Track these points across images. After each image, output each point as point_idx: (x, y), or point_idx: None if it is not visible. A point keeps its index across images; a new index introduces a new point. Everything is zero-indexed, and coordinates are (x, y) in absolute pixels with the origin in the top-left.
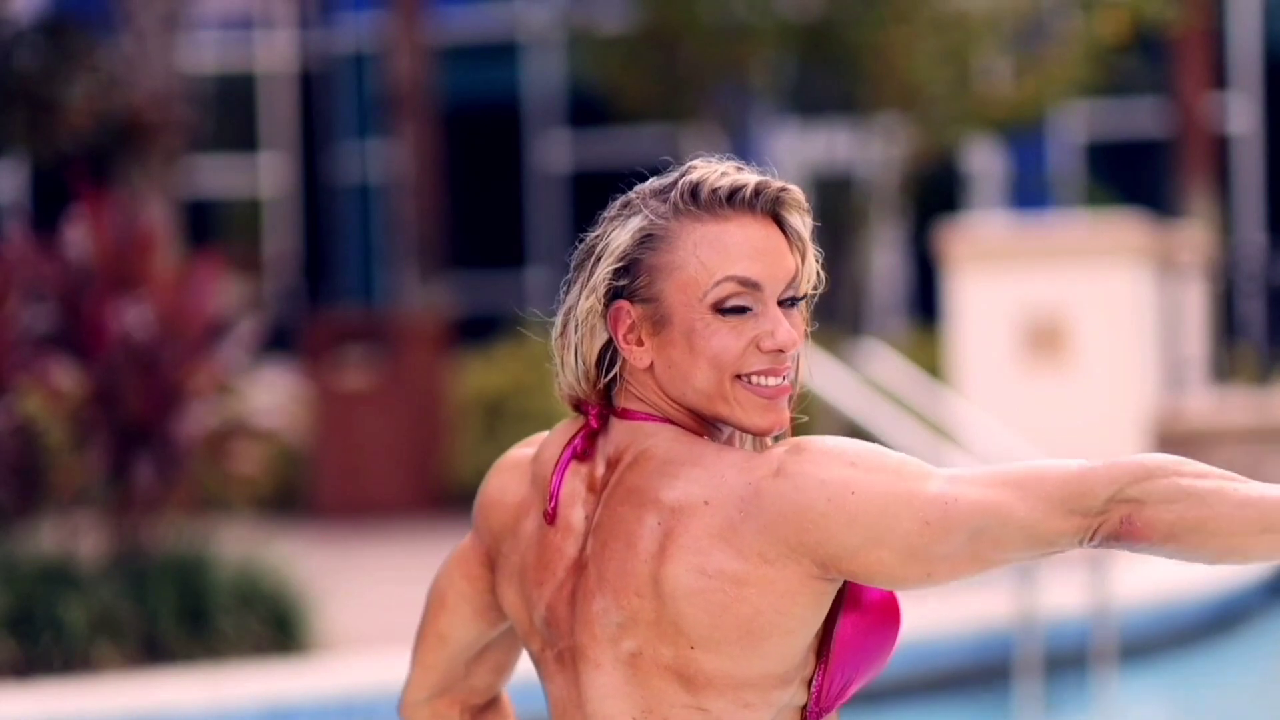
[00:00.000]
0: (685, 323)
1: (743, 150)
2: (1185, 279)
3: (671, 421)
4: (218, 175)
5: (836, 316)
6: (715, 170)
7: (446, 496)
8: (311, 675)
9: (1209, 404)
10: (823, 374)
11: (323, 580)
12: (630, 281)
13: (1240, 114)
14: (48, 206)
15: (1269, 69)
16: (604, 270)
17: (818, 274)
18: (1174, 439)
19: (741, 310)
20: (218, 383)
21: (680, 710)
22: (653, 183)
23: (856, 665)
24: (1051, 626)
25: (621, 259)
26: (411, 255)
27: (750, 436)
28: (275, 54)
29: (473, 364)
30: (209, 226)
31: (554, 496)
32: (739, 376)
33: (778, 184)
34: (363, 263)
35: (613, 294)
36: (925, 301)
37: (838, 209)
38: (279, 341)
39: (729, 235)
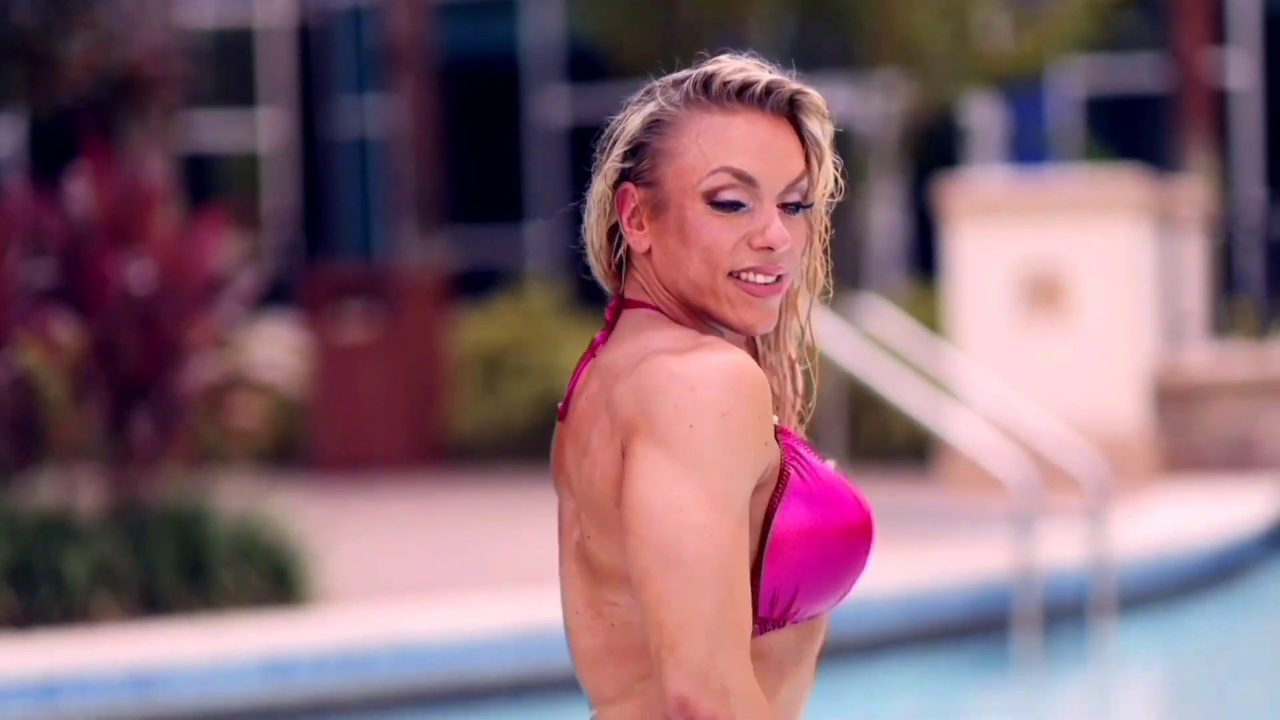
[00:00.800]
0: (680, 210)
1: None
2: (1184, 234)
3: (660, 309)
4: (216, 130)
5: (836, 272)
6: (733, 65)
7: (445, 450)
8: (310, 628)
9: (1208, 358)
10: (822, 329)
11: (321, 533)
12: (636, 164)
13: (1239, 69)
14: (46, 161)
15: (1268, 24)
16: (615, 154)
17: (836, 182)
18: (1172, 393)
19: (735, 205)
20: (217, 337)
21: (601, 604)
22: (676, 74)
23: (806, 569)
24: (1050, 578)
25: (630, 142)
26: (410, 210)
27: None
28: (273, 9)
29: (471, 318)
30: (207, 181)
31: (569, 393)
32: (731, 273)
33: (794, 85)
34: (361, 217)
35: (621, 177)
36: (924, 257)
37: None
38: (278, 296)
39: (733, 129)
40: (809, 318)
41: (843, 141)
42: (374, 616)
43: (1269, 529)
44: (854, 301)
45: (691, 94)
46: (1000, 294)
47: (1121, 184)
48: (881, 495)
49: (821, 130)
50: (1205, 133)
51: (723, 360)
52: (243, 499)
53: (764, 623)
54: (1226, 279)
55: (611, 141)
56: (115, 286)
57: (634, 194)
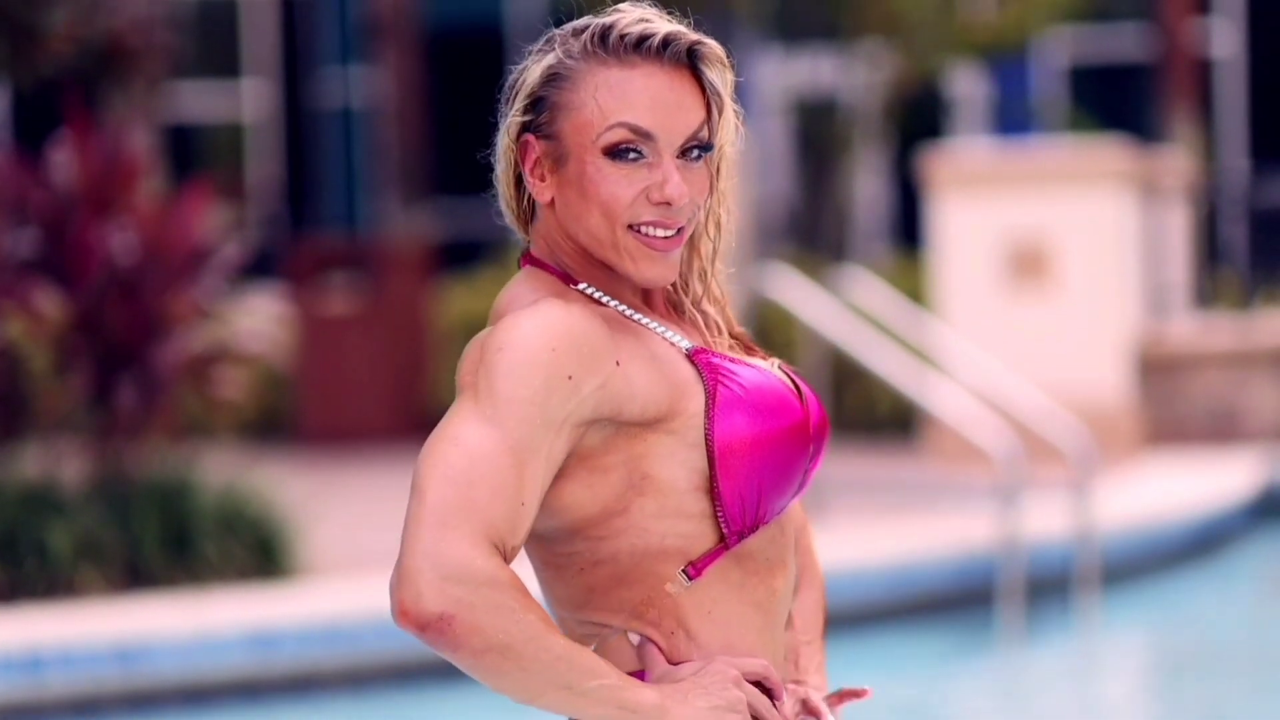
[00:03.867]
0: (579, 164)
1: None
2: (1168, 204)
3: (547, 266)
4: (200, 101)
5: (820, 242)
6: (630, 17)
7: (429, 421)
8: (295, 600)
9: (1191, 329)
10: (805, 300)
11: (306, 505)
12: (536, 117)
13: (1223, 38)
14: (29, 132)
15: None
16: (516, 106)
17: (737, 129)
18: (1156, 364)
19: (633, 158)
20: (201, 308)
21: (559, 558)
22: (577, 22)
23: (760, 473)
24: (1034, 550)
25: (530, 95)
26: (394, 181)
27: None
28: None
29: (456, 289)
30: (191, 152)
31: None
32: (630, 226)
33: (692, 36)
34: (345, 188)
35: (523, 129)
36: (908, 227)
37: (821, 135)
38: (262, 267)
39: (630, 83)
40: (713, 262)
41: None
42: (359, 589)
43: (1253, 500)
44: (838, 272)
45: (589, 46)
46: (984, 265)
47: (1105, 154)
48: (865, 467)
49: (722, 79)
50: (1189, 102)
51: (540, 318)
52: (227, 471)
53: (739, 533)
54: (1211, 249)
55: (513, 92)
56: (99, 258)
57: (535, 146)
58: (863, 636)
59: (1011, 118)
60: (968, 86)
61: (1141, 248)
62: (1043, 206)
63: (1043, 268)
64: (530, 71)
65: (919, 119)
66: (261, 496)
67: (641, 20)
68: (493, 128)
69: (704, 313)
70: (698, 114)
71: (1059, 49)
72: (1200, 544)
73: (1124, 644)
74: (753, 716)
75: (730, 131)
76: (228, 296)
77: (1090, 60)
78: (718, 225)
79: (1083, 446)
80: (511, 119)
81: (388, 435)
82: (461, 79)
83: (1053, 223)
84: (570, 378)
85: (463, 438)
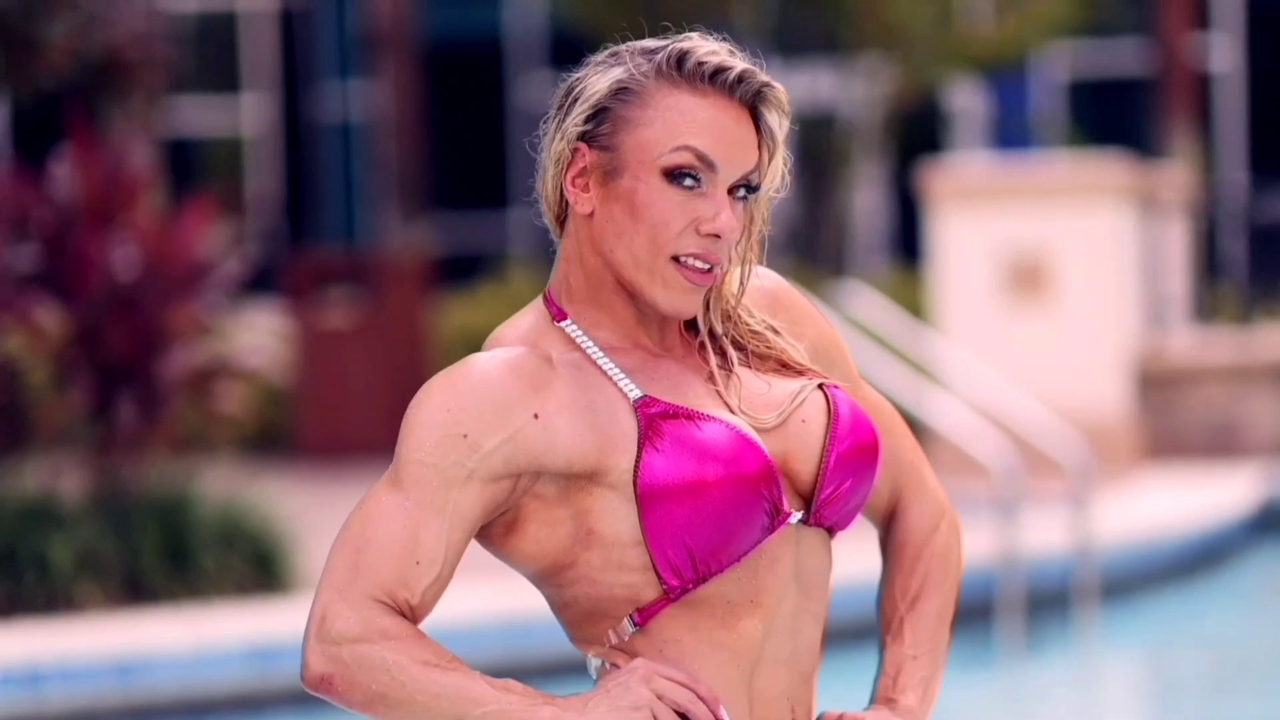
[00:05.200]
0: (634, 180)
1: None
2: (1167, 218)
3: (550, 300)
4: (199, 115)
5: (819, 256)
6: (706, 46)
7: None
8: (295, 614)
9: (1190, 343)
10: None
11: (305, 519)
12: (595, 127)
13: (1222, 53)
14: (29, 146)
15: (1251, 7)
16: (577, 114)
17: (783, 178)
18: (1156, 378)
19: (689, 182)
20: (201, 323)
21: (549, 598)
22: (645, 41)
23: (686, 528)
24: (1033, 564)
25: (594, 105)
26: (393, 195)
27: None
28: None
29: (455, 303)
30: (190, 166)
31: None
32: (674, 257)
33: (763, 78)
34: (345, 202)
35: (579, 137)
36: (907, 241)
37: (820, 149)
38: (261, 281)
39: (701, 110)
40: (738, 301)
41: (826, 126)
42: None
43: (1252, 514)
44: (837, 286)
45: (664, 67)
46: (983, 278)
47: (1104, 168)
48: None
49: (779, 126)
50: (1188, 117)
51: (449, 378)
52: (227, 485)
53: (680, 587)
54: (1209, 263)
55: (570, 99)
56: (99, 272)
57: (586, 155)
58: (863, 650)
59: (1011, 132)
60: (967, 100)
61: (1140, 262)
62: (1042, 220)
63: (1042, 281)
64: (594, 82)
65: (918, 133)
66: (261, 511)
67: (715, 52)
68: (493, 142)
69: (737, 348)
70: (754, 154)
71: (1058, 63)
72: (1199, 558)
73: (1123, 658)
74: (680, 715)
75: (776, 178)
76: (227, 311)
77: (1089, 74)
78: (746, 266)
79: (1082, 460)
80: (569, 125)
81: (387, 449)
82: (460, 93)
83: (1052, 237)
84: (465, 435)
85: (367, 503)
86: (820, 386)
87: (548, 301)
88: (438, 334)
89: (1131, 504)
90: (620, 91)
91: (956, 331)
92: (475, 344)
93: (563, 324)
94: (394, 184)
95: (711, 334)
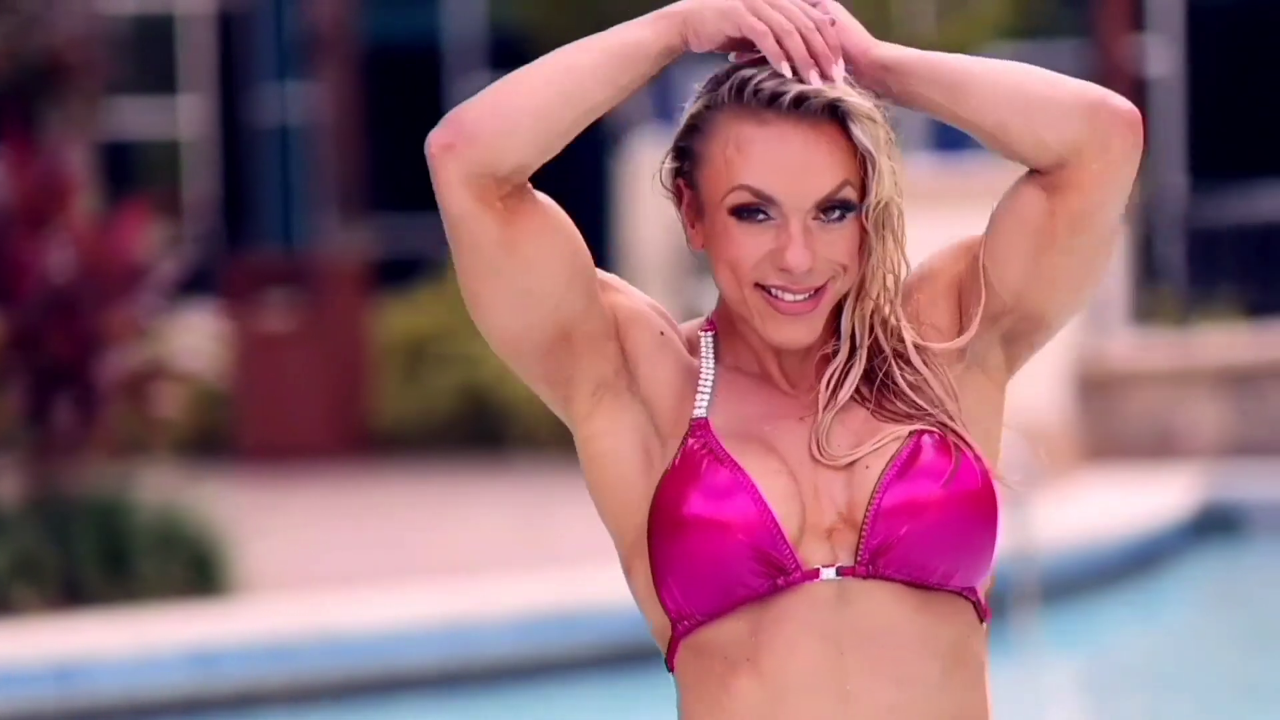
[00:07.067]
0: (711, 218)
1: (662, 94)
2: None
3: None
4: (136, 117)
5: None
6: (768, 70)
7: (368, 439)
8: (234, 618)
9: (1130, 346)
10: None
11: (244, 523)
12: (682, 164)
13: (1160, 57)
14: None
15: (1189, 11)
16: (666, 153)
17: (893, 182)
18: (1095, 381)
19: (760, 217)
20: (138, 326)
21: None
22: (735, 62)
23: (673, 560)
24: None
25: (675, 144)
26: (332, 198)
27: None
28: None
29: (394, 307)
30: (128, 169)
31: None
32: (758, 285)
33: (831, 94)
34: (283, 205)
35: (675, 174)
36: None
37: None
38: (199, 284)
39: (758, 142)
40: (888, 324)
41: None
42: (299, 607)
43: (1191, 518)
44: None
45: (727, 98)
46: None
47: None
48: None
49: (872, 135)
50: None
51: None
52: (164, 489)
53: (674, 616)
54: (1148, 267)
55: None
56: (35, 275)
57: (685, 192)
58: None
59: (950, 135)
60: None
61: None
62: (981, 223)
63: None
64: (686, 111)
65: None
66: (199, 514)
67: (775, 74)
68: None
69: (898, 358)
70: (834, 174)
71: None
72: (1138, 562)
73: (1062, 661)
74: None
75: (888, 187)
76: (165, 314)
77: None
78: (885, 283)
79: (1021, 463)
80: (664, 167)
81: (326, 452)
82: (399, 96)
83: None
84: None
85: None
86: (915, 432)
87: (711, 315)
88: (376, 337)
89: (1071, 507)
90: (692, 129)
91: None
92: (414, 347)
93: (704, 333)
94: (332, 187)
95: (854, 352)
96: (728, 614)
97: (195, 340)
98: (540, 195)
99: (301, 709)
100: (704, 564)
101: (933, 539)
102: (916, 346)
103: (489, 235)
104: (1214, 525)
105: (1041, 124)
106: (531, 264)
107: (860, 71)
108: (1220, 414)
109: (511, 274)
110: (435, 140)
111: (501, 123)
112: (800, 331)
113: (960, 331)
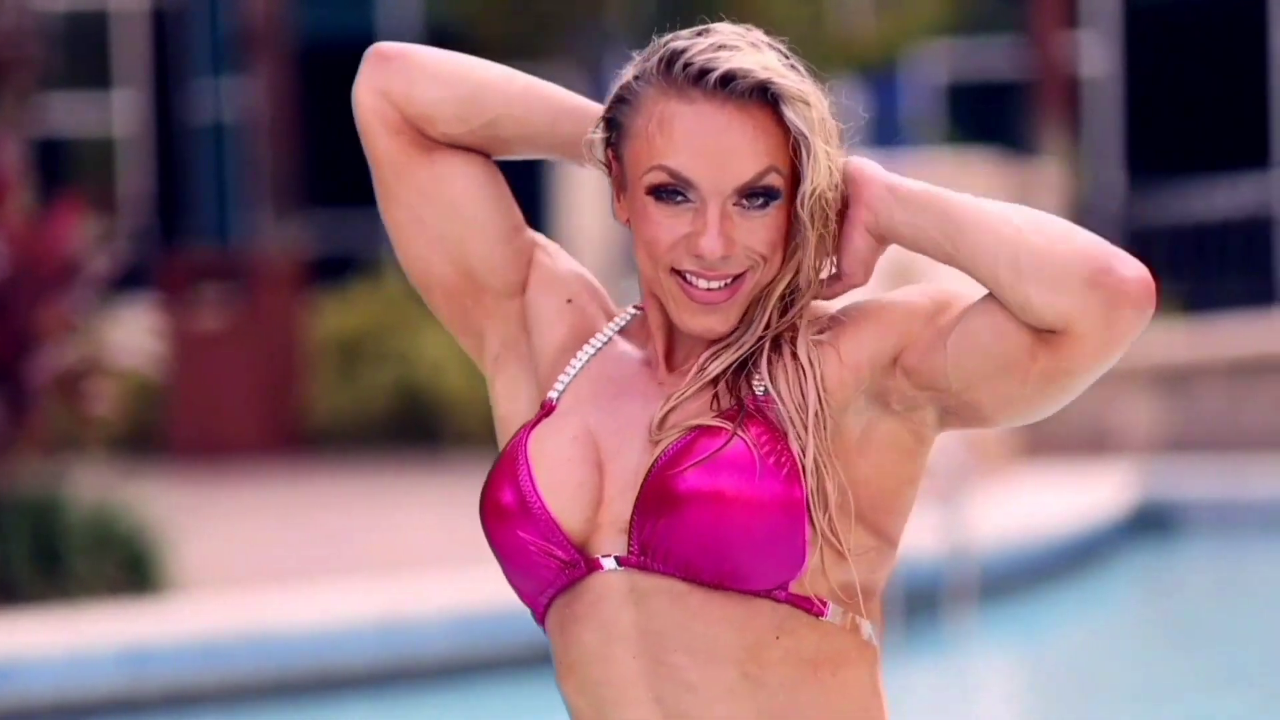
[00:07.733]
0: (632, 194)
1: (600, 90)
2: None
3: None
4: (70, 113)
5: None
6: (705, 43)
7: (302, 437)
8: (168, 617)
9: None
10: None
11: (178, 521)
12: (611, 135)
13: (1096, 54)
14: None
15: (1125, 8)
16: (599, 119)
17: (828, 169)
18: None
19: (678, 199)
20: (71, 322)
21: None
22: (671, 35)
23: (499, 559)
24: (906, 565)
25: (603, 115)
26: (266, 194)
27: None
28: None
29: (329, 304)
30: (61, 165)
31: None
32: (674, 270)
33: (760, 74)
34: (217, 202)
35: (604, 144)
36: None
37: None
38: (133, 280)
39: (682, 121)
40: (801, 316)
41: None
42: (232, 606)
43: (1126, 515)
44: None
45: (655, 71)
46: None
47: (976, 167)
48: None
49: (806, 118)
50: (1062, 117)
51: None
52: (98, 486)
53: (524, 593)
54: None
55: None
56: None
57: (613, 165)
58: None
59: (887, 132)
60: (843, 101)
61: None
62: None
63: (914, 280)
64: (615, 84)
65: None
66: (133, 512)
67: (714, 49)
68: (361, 152)
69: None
70: (758, 160)
71: (934, 64)
72: (1074, 559)
73: (997, 659)
74: None
75: (824, 174)
76: (98, 310)
77: (965, 76)
78: (805, 274)
79: (955, 461)
80: (594, 135)
81: (259, 450)
82: (334, 92)
83: None
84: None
85: None
86: (701, 427)
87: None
88: (310, 334)
89: (1005, 505)
90: (620, 100)
91: None
92: (348, 345)
93: (630, 305)
94: (267, 183)
95: (740, 339)
96: (547, 608)
97: (129, 337)
98: (467, 152)
99: (235, 708)
100: (506, 554)
101: (692, 534)
102: (807, 361)
103: (378, 151)
104: (1149, 523)
105: (1033, 285)
106: (429, 198)
107: (867, 191)
108: (1156, 412)
109: (407, 202)
110: (381, 48)
111: (438, 68)
112: (714, 321)
113: (870, 375)
